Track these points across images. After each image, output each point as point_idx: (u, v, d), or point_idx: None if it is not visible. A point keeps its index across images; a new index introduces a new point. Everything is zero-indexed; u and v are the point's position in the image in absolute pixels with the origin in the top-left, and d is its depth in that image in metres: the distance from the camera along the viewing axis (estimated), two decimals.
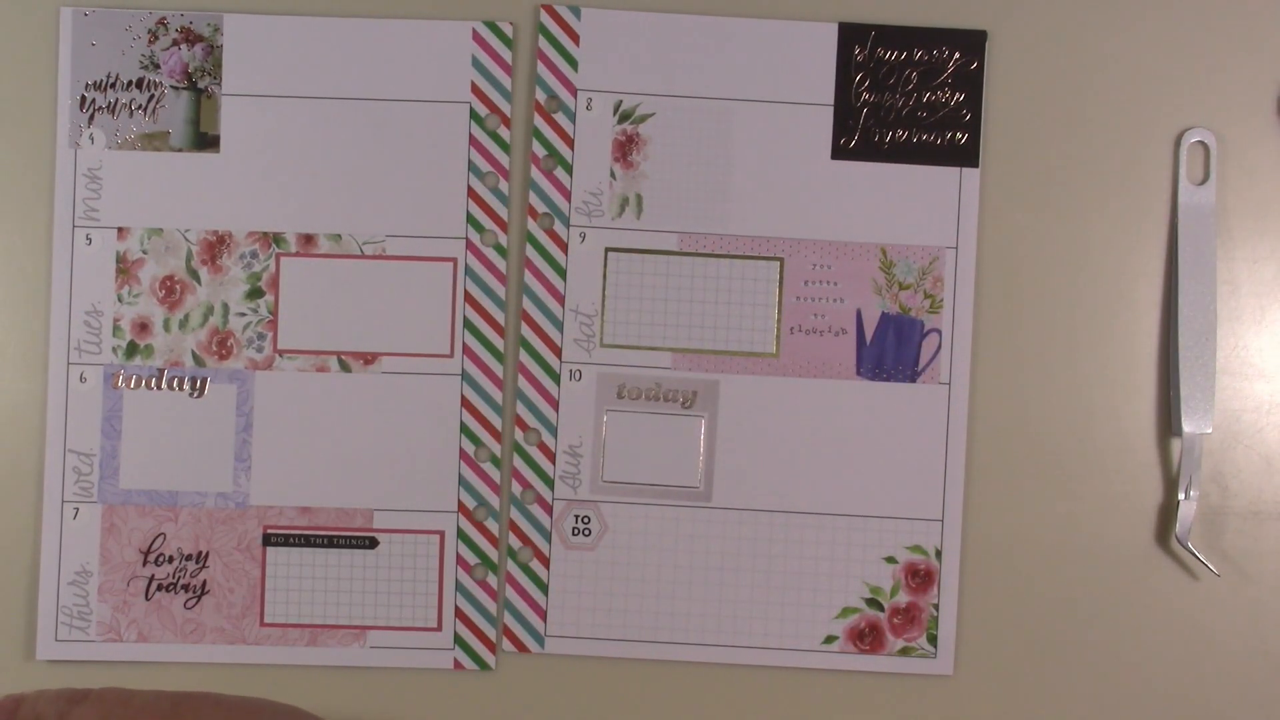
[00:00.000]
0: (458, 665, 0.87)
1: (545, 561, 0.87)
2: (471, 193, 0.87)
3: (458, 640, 0.87)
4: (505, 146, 0.88)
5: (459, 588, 0.87)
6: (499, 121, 0.88)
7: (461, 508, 0.87)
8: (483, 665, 0.87)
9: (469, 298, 0.87)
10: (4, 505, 0.87)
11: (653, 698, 0.87)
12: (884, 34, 0.87)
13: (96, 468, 0.86)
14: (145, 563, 0.86)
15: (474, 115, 0.87)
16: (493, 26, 0.88)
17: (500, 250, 0.87)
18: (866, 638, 0.86)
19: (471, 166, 0.87)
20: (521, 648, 0.87)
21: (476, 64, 0.87)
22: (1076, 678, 0.87)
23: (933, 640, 0.87)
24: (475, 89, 0.87)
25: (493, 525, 0.87)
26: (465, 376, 0.87)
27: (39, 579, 0.86)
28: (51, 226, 0.87)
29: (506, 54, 0.88)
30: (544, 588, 0.87)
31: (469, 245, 0.87)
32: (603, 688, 0.87)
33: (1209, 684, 0.87)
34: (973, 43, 0.87)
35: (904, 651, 0.86)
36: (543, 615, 0.87)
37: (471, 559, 0.87)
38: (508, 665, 0.87)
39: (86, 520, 0.86)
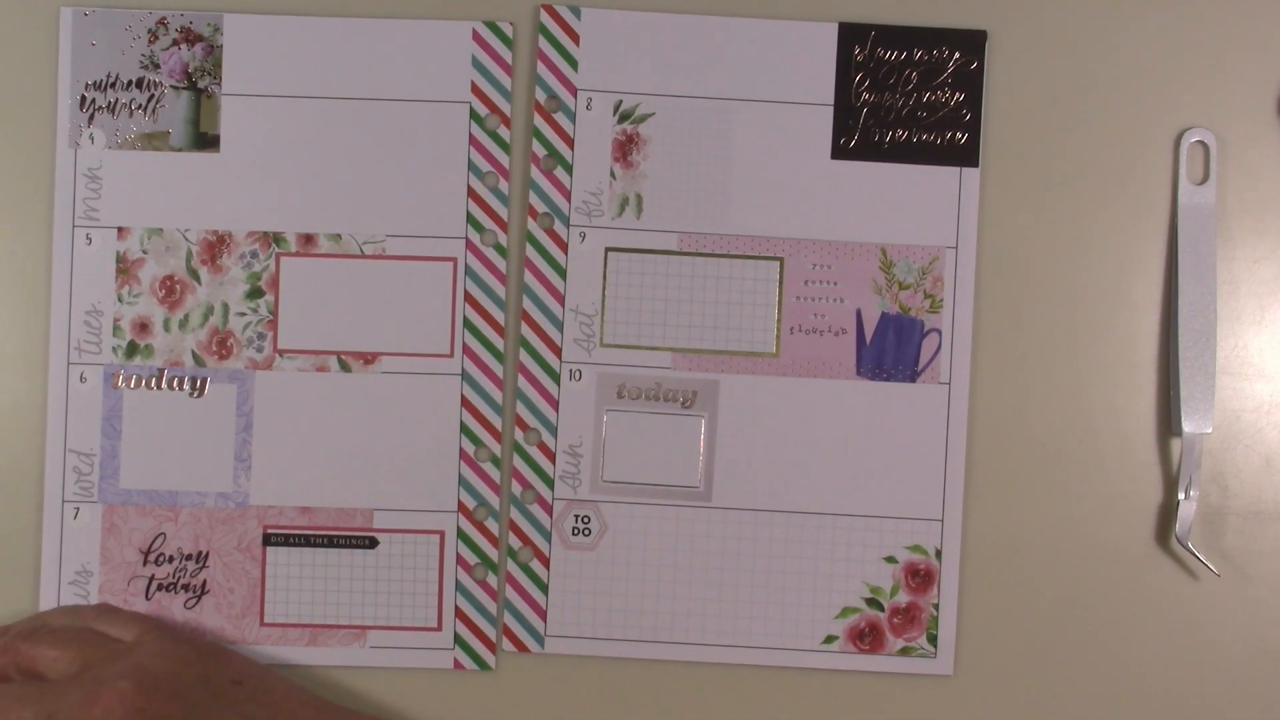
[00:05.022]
0: (458, 665, 0.87)
1: (545, 561, 0.87)
2: (471, 192, 0.87)
3: (458, 640, 0.87)
4: (505, 146, 0.88)
5: (459, 588, 0.87)
6: (499, 121, 0.88)
7: (461, 508, 0.87)
8: (483, 665, 0.87)
9: (469, 297, 0.87)
10: (4, 505, 0.86)
11: (653, 698, 0.87)
12: (884, 34, 0.87)
13: (97, 468, 0.86)
14: (145, 562, 0.86)
15: (474, 115, 0.87)
16: (493, 26, 0.88)
17: (500, 250, 0.87)
18: (866, 638, 0.86)
19: (471, 166, 0.87)
20: (521, 648, 0.87)
21: (476, 64, 0.87)
22: (1076, 678, 0.87)
23: (933, 640, 0.87)
24: (475, 89, 0.87)
25: (493, 525, 0.87)
26: (465, 376, 0.87)
27: (40, 579, 0.86)
28: (51, 226, 0.87)
29: (506, 54, 0.88)
30: (544, 588, 0.87)
31: (469, 245, 0.87)
32: (603, 688, 0.87)
33: (1209, 684, 0.87)
34: (973, 43, 0.87)
35: (904, 651, 0.86)
36: (543, 615, 0.87)
37: (471, 559, 0.87)
38: (508, 665, 0.87)
39: (87, 520, 0.86)
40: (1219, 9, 0.88)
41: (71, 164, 0.87)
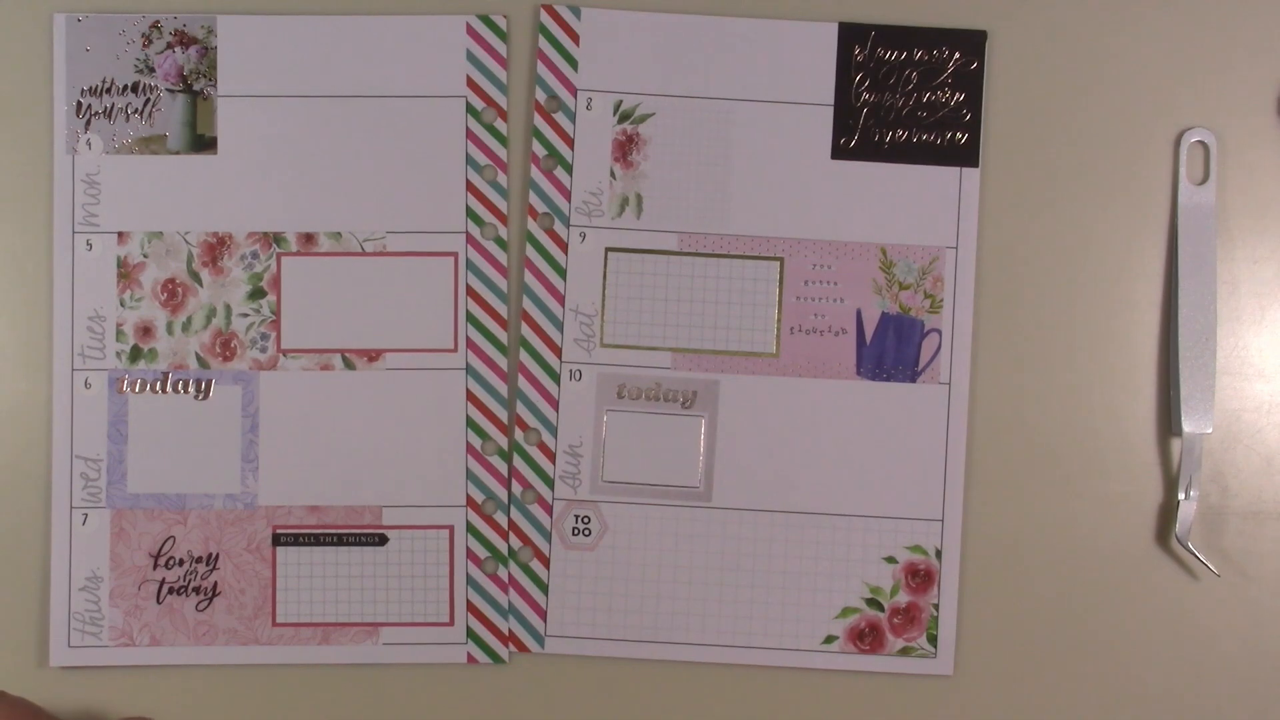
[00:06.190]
0: (471, 659, 0.87)
1: (545, 561, 0.87)
2: (470, 187, 0.87)
3: (470, 635, 0.87)
4: (503, 140, 0.87)
5: (470, 582, 0.87)
6: (495, 115, 0.87)
7: (470, 502, 0.87)
8: (496, 659, 0.87)
9: (471, 292, 0.87)
10: (13, 513, 0.87)
11: (653, 698, 0.87)
12: (884, 34, 0.86)
13: (104, 473, 0.87)
14: (155, 566, 0.87)
15: (470, 109, 0.87)
16: (486, 20, 0.87)
17: (501, 244, 0.87)
18: (866, 638, 0.87)
19: (469, 161, 0.87)
20: (521, 647, 0.87)
21: (471, 58, 0.87)
22: (1076, 678, 0.87)
23: (933, 640, 0.87)
24: (470, 83, 0.87)
25: (501, 519, 0.87)
26: (470, 370, 0.87)
27: (50, 586, 0.86)
28: (51, 233, 0.87)
29: (501, 47, 0.87)
30: (544, 588, 0.87)
31: (469, 239, 0.87)
32: (603, 688, 0.87)
33: (1209, 684, 0.87)
34: (973, 43, 0.87)
35: (904, 651, 0.87)
36: (543, 615, 0.87)
37: (482, 553, 0.87)
38: (520, 660, 0.88)
39: (96, 526, 0.87)
40: (1219, 9, 0.87)
41: (69, 170, 0.87)
